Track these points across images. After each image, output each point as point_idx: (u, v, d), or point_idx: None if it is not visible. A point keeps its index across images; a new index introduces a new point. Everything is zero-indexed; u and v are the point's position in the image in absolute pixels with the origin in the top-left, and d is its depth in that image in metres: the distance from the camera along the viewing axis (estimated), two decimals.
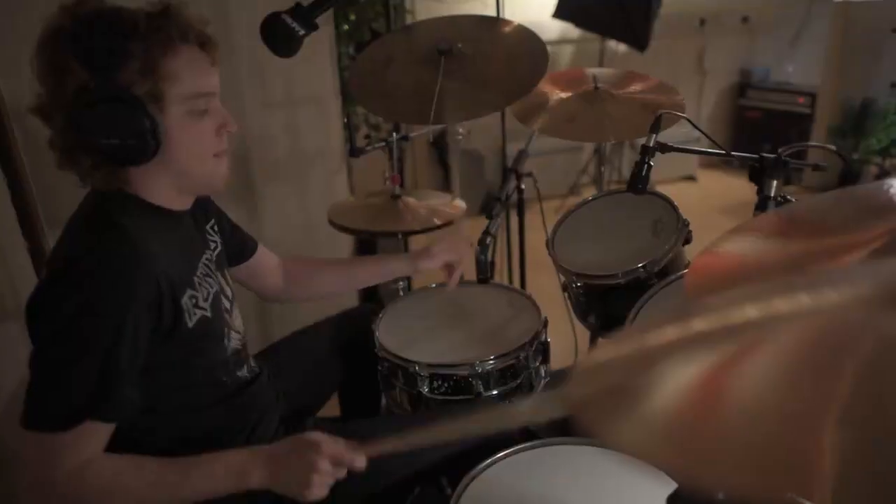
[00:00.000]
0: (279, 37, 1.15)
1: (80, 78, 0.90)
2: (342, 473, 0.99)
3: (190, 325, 1.01)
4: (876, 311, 0.43)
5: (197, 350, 1.05)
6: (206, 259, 1.14)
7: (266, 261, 1.42)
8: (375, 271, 1.51)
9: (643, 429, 0.42)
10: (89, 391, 0.90)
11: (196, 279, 1.07)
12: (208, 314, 1.06)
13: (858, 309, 0.44)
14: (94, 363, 0.90)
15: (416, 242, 2.83)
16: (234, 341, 1.16)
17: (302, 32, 1.15)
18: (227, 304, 1.17)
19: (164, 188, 1.03)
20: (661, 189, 1.73)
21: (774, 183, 1.23)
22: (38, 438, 0.89)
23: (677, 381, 0.45)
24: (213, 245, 1.20)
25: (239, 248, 1.35)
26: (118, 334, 0.90)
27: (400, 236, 2.10)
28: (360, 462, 0.99)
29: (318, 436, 1.00)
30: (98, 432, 0.92)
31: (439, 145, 4.14)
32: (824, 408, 0.36)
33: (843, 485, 0.32)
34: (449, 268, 1.49)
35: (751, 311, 0.50)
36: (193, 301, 1.03)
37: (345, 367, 1.53)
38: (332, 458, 0.97)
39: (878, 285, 0.46)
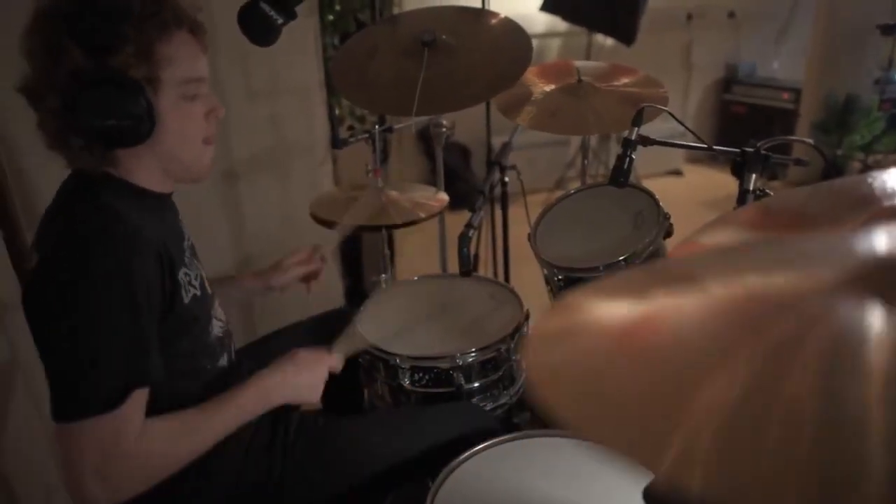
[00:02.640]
0: (257, 25, 1.14)
1: (75, 59, 0.90)
2: None
3: (186, 300, 1.03)
4: (835, 296, 0.42)
5: (186, 329, 1.06)
6: (187, 244, 1.15)
7: None
8: (229, 292, 1.42)
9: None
10: (128, 362, 0.92)
11: (186, 258, 1.08)
12: (198, 293, 1.07)
13: (817, 293, 0.44)
14: (123, 335, 0.91)
15: (400, 236, 2.82)
16: (216, 328, 1.16)
17: (280, 21, 1.14)
18: (209, 289, 1.17)
19: (150, 171, 1.04)
20: (647, 183, 1.73)
21: (753, 177, 1.23)
22: (91, 425, 0.89)
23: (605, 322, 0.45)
24: (185, 233, 1.19)
25: None
26: (136, 304, 0.92)
27: (384, 230, 2.10)
28: (340, 365, 1.23)
29: (312, 351, 1.19)
30: (141, 399, 0.95)
31: (426, 137, 4.12)
32: (780, 389, 0.35)
33: (787, 480, 0.31)
34: (306, 279, 1.49)
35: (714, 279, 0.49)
36: (187, 278, 1.05)
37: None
38: (332, 367, 1.20)
39: (840, 270, 0.46)
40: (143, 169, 1.03)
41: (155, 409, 1.04)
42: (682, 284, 0.47)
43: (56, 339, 0.91)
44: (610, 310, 0.46)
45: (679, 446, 0.32)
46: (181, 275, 1.03)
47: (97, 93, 0.92)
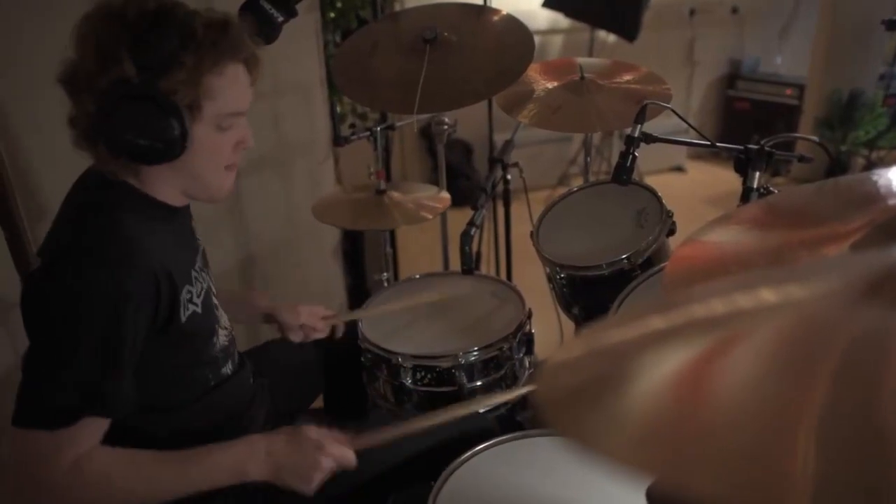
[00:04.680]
0: (258, 23, 1.13)
1: (125, 70, 0.89)
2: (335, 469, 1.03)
3: (183, 319, 1.01)
4: (850, 306, 0.41)
5: (186, 346, 1.05)
6: (199, 252, 1.14)
7: None
8: (241, 310, 1.39)
9: (617, 429, 0.40)
10: (86, 386, 0.89)
11: (193, 274, 1.07)
12: (199, 310, 1.05)
13: (832, 304, 0.43)
14: (90, 357, 0.89)
15: (403, 234, 2.82)
16: (222, 338, 1.16)
17: (281, 19, 1.14)
18: (215, 300, 1.16)
19: (170, 187, 1.03)
20: (650, 180, 1.72)
21: (757, 174, 1.22)
22: (33, 436, 0.88)
23: (653, 377, 0.43)
24: (197, 243, 1.20)
25: None
26: (114, 328, 0.89)
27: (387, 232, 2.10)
28: (353, 461, 1.05)
29: (319, 433, 1.04)
30: (95, 427, 0.92)
31: (428, 135, 4.12)
32: (804, 408, 0.35)
33: (824, 492, 0.31)
34: (305, 328, 1.41)
35: (727, 305, 0.48)
36: (189, 296, 1.03)
37: (330, 372, 1.52)
38: (335, 458, 1.02)
39: (852, 279, 0.45)
40: (164, 184, 1.02)
41: (149, 419, 1.04)
42: (711, 330, 0.45)
43: (32, 347, 0.90)
44: (656, 360, 0.44)
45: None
46: (183, 293, 1.01)
47: (137, 109, 0.90)
